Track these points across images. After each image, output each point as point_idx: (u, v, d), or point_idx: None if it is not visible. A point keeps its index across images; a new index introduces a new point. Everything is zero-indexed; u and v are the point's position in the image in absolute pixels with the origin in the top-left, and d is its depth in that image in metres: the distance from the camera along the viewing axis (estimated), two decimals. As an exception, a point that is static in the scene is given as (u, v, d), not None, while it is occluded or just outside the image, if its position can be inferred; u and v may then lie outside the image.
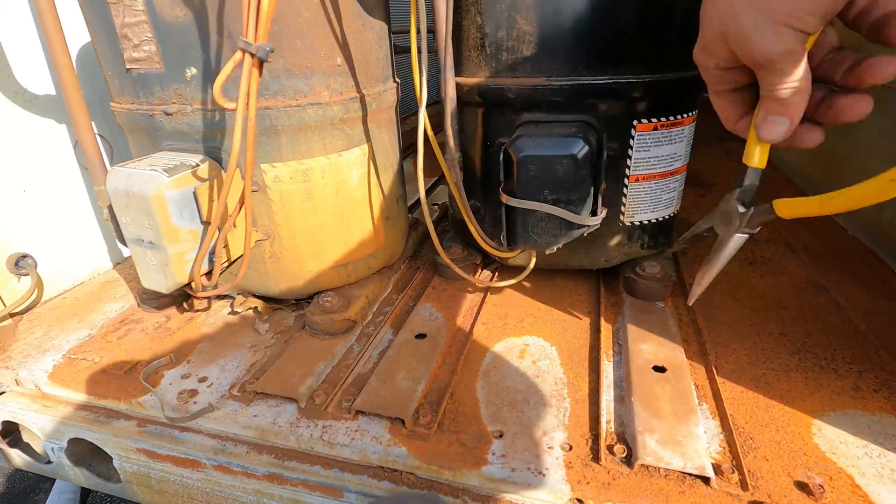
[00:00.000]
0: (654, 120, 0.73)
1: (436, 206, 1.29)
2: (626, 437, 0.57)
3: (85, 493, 1.13)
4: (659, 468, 0.53)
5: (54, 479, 1.81)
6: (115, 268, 1.08)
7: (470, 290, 0.89)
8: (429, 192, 1.33)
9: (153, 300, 0.87)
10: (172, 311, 0.88)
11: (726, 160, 1.60)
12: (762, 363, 0.68)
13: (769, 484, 0.51)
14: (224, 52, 0.63)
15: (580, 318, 0.81)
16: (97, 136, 1.03)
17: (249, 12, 0.46)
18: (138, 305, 0.89)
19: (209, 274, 0.69)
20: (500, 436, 0.59)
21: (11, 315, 0.88)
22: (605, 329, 0.77)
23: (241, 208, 0.62)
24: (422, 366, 0.69)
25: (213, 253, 0.67)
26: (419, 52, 0.62)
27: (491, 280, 0.93)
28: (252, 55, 0.48)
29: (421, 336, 0.76)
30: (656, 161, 0.76)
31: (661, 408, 0.59)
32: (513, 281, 0.80)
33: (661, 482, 0.52)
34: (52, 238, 0.96)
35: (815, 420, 0.59)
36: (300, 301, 0.86)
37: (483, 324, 0.81)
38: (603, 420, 0.60)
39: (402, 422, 0.61)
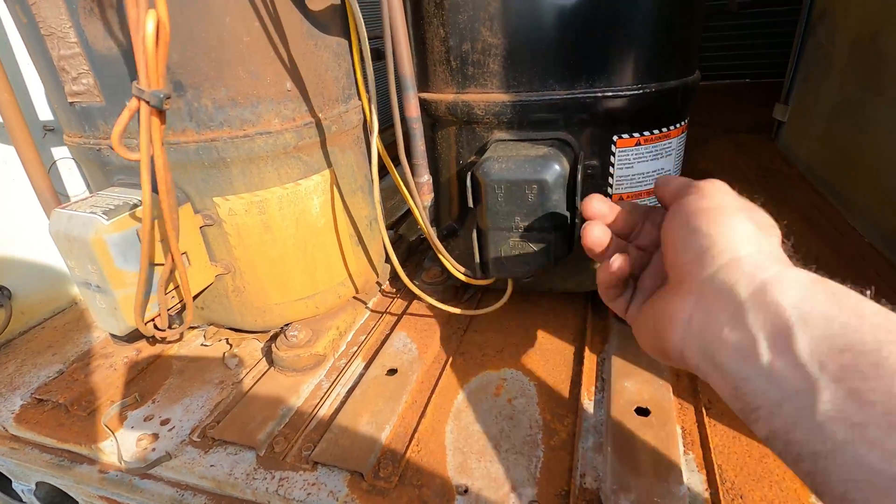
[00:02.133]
0: (636, 135, 0.67)
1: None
2: (600, 494, 0.52)
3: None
4: (634, 535, 0.48)
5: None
6: (96, 293, 1.07)
7: (448, 317, 0.84)
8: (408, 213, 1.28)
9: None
10: (144, 343, 0.86)
11: (738, 155, 1.51)
12: (759, 402, 0.62)
13: (756, 555, 0.46)
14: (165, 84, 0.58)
15: (564, 347, 0.76)
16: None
17: (138, 55, 0.42)
18: (111, 338, 0.87)
19: (162, 315, 0.66)
20: (465, 491, 0.55)
21: (-14, 349, 0.88)
22: (589, 360, 0.71)
23: (172, 259, 0.58)
24: (388, 407, 0.65)
25: (158, 295, 0.64)
26: (364, 76, 0.57)
27: (477, 304, 0.88)
28: (147, 102, 0.44)
29: (392, 372, 0.72)
30: (641, 178, 0.70)
31: (640, 461, 0.54)
32: (490, 309, 0.75)
33: (634, 552, 0.47)
34: (27, 269, 0.95)
35: (815, 473, 0.53)
36: (272, 330, 0.83)
37: (461, 354, 0.76)
38: (577, 473, 0.55)
39: (361, 476, 0.57)
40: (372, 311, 0.89)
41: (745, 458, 0.55)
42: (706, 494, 0.52)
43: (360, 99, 0.77)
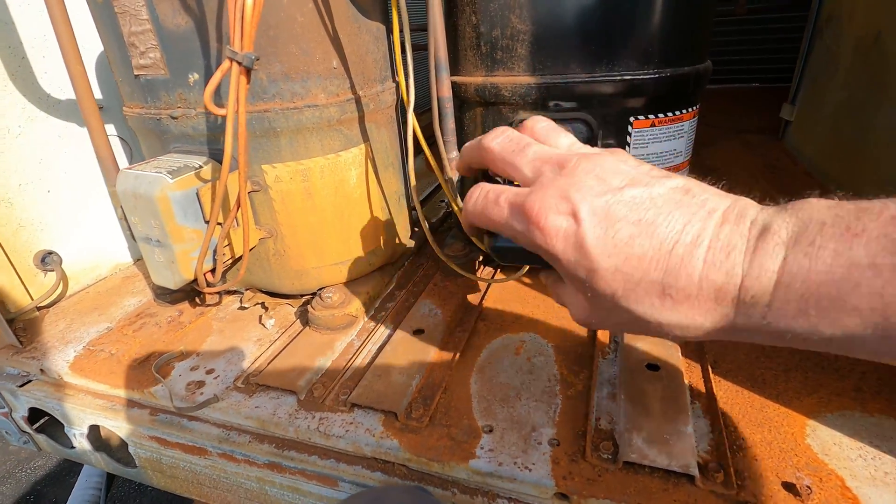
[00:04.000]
0: (651, 116, 0.72)
1: (443, 203, 1.30)
2: (614, 434, 0.58)
3: (110, 479, 1.19)
4: (644, 466, 0.53)
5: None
6: (135, 264, 1.13)
7: (470, 287, 0.90)
8: (437, 189, 1.34)
9: (167, 295, 0.91)
10: (185, 305, 0.92)
11: (746, 154, 1.56)
12: (761, 362, 0.67)
13: (755, 484, 0.51)
14: (224, 59, 0.65)
15: (579, 315, 0.81)
16: (118, 138, 1.08)
17: (235, 22, 0.48)
18: (154, 300, 0.94)
19: (214, 271, 0.72)
20: (490, 430, 0.60)
21: (38, 308, 0.94)
22: (603, 326, 0.77)
23: (238, 209, 0.64)
24: (417, 361, 0.71)
25: (215, 251, 0.70)
26: (403, 51, 0.63)
27: (492, 277, 0.93)
28: (238, 63, 0.50)
29: (419, 332, 0.78)
30: (655, 157, 0.75)
31: (650, 406, 0.59)
32: (512, 277, 0.81)
33: (645, 479, 0.52)
34: (76, 236, 1.01)
35: (811, 421, 0.58)
36: (305, 296, 0.89)
37: (482, 320, 0.82)
38: (592, 417, 0.60)
39: (395, 415, 0.63)
40: (397, 280, 0.95)
41: (747, 407, 0.61)
42: (711, 436, 0.57)
43: (394, 81, 0.84)
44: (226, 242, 0.71)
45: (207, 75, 0.66)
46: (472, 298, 0.87)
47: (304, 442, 0.64)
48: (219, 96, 0.65)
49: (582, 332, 0.77)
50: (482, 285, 0.90)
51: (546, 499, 0.54)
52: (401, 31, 0.60)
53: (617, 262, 0.31)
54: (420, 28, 0.75)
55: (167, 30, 0.65)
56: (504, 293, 0.89)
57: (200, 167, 0.66)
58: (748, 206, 0.31)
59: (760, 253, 0.27)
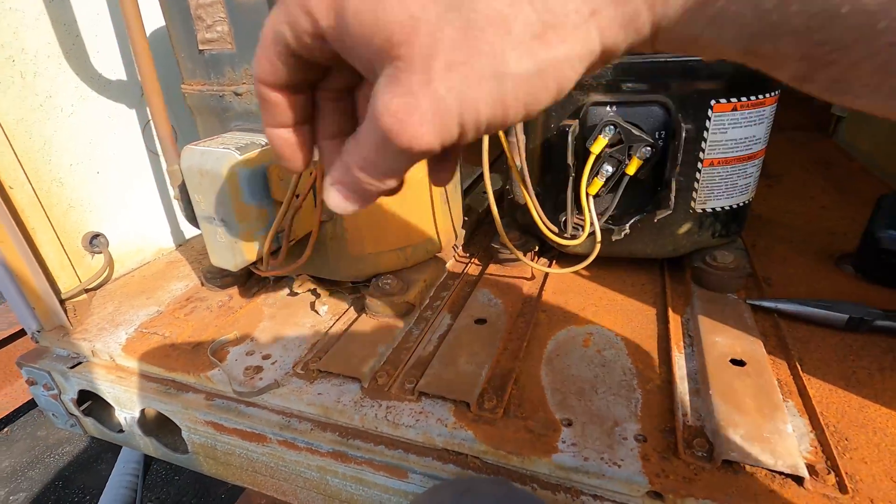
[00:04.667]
0: (733, 100, 0.69)
1: (484, 195, 1.27)
2: (705, 431, 0.54)
3: (146, 465, 1.18)
4: (745, 465, 0.50)
5: (117, 450, 1.92)
6: (178, 249, 1.12)
7: (527, 277, 0.87)
8: (476, 182, 1.31)
9: (216, 279, 0.89)
10: (234, 291, 0.90)
11: (795, 150, 1.51)
12: (851, 360, 0.64)
13: (870, 488, 0.47)
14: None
15: (645, 309, 0.78)
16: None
17: None
18: (202, 284, 0.92)
19: (276, 253, 0.70)
20: (569, 424, 0.57)
21: (86, 290, 0.93)
22: (674, 320, 0.73)
23: (311, 188, 0.62)
24: (484, 351, 0.68)
25: (280, 232, 0.67)
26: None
27: (549, 267, 0.90)
28: None
29: (481, 321, 0.75)
30: (733, 144, 0.72)
31: (742, 402, 0.56)
32: (576, 267, 0.78)
33: (747, 480, 0.49)
34: (121, 219, 1.00)
35: (918, 423, 0.54)
36: (357, 284, 0.87)
37: (543, 311, 0.79)
38: (678, 413, 0.57)
39: (467, 405, 0.60)
40: (449, 271, 0.92)
41: (845, 407, 0.57)
42: (811, 435, 0.53)
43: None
44: (291, 224, 0.68)
45: (276, 49, 0.64)
46: (530, 289, 0.84)
47: (370, 431, 0.62)
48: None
49: (652, 325, 0.74)
50: (539, 276, 0.87)
51: (637, 497, 0.51)
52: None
53: None
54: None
55: (236, 2, 0.63)
56: (562, 284, 0.86)
57: (267, 145, 0.64)
58: None
59: None
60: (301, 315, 0.83)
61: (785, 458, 0.49)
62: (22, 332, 1.85)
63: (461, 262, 0.95)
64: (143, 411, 0.77)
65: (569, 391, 0.62)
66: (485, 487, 0.48)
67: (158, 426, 0.82)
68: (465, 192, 1.21)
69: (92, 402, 0.87)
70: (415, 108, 0.20)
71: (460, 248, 0.98)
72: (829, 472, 0.48)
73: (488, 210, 1.16)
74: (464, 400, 0.60)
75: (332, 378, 0.67)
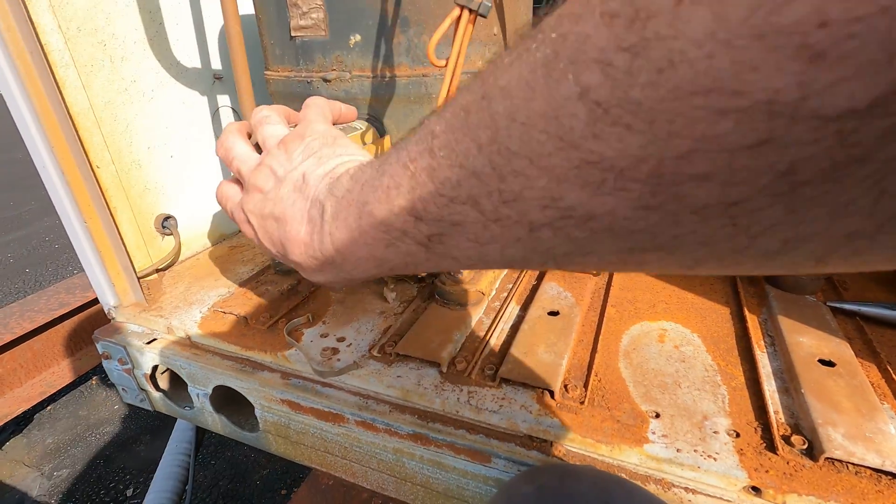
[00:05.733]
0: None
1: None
2: (801, 428, 0.54)
3: (197, 445, 1.21)
4: (849, 464, 0.49)
5: (156, 432, 1.96)
6: (240, 233, 1.14)
7: (593, 273, 0.87)
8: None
9: (284, 265, 0.91)
10: (301, 276, 0.92)
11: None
12: (946, 366, 0.62)
13: (985, 492, 0.46)
14: (389, 19, 0.64)
15: (718, 307, 0.77)
16: (231, 110, 1.10)
17: None
18: (273, 270, 0.94)
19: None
20: (657, 416, 0.57)
21: (157, 270, 0.96)
22: (751, 319, 0.72)
23: None
24: (561, 341, 0.68)
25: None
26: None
27: (613, 264, 0.90)
28: (471, 11, 0.48)
29: (553, 313, 0.75)
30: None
31: (838, 402, 0.55)
32: (647, 264, 0.77)
33: (851, 479, 0.48)
34: (189, 203, 1.03)
35: None
36: (422, 274, 0.87)
37: (613, 306, 0.78)
38: (770, 409, 0.56)
39: (551, 393, 0.60)
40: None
41: (945, 412, 0.55)
42: (913, 438, 0.52)
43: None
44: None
45: (369, 37, 0.66)
46: (597, 284, 0.84)
47: (451, 415, 0.62)
48: (382, 57, 0.64)
49: (727, 323, 0.73)
50: (604, 272, 0.87)
51: (734, 491, 0.50)
52: None
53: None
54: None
55: (335, -11, 0.64)
56: (629, 280, 0.85)
57: (362, 130, 0.65)
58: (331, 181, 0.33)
59: (320, 229, 0.31)
60: (369, 301, 0.84)
61: (893, 458, 0.48)
62: (70, 314, 1.91)
63: (522, 256, 0.96)
64: (217, 388, 0.79)
65: (651, 384, 0.62)
66: (584, 472, 0.48)
67: (224, 405, 0.83)
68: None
69: (159, 379, 0.89)
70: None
71: (521, 242, 0.98)
72: (939, 475, 0.47)
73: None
74: (547, 387, 0.60)
75: (410, 362, 0.68)
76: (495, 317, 0.77)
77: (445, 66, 0.52)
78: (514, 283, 0.86)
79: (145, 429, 1.98)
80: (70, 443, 1.95)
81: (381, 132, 0.70)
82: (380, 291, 0.85)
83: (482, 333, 0.73)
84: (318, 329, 0.77)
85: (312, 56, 0.70)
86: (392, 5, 0.63)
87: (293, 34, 0.70)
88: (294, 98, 0.76)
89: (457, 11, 0.49)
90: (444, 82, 0.53)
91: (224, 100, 1.08)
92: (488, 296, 0.81)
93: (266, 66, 0.78)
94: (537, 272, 0.88)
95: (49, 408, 2.13)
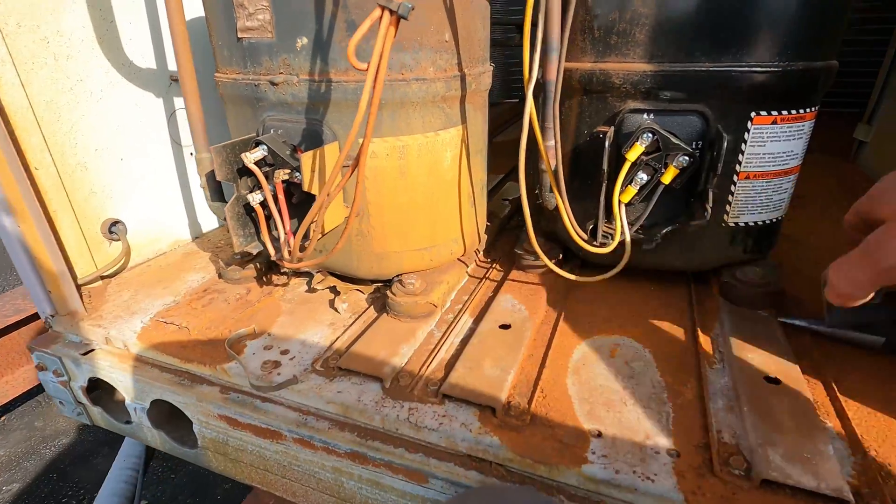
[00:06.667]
0: (773, 113, 0.68)
1: (506, 202, 1.26)
2: (741, 449, 0.52)
3: (147, 460, 1.16)
4: (786, 486, 0.48)
5: (113, 445, 1.88)
6: (195, 241, 1.11)
7: (551, 284, 0.86)
8: (498, 186, 1.31)
9: (235, 271, 0.88)
10: (252, 284, 0.89)
11: (817, 173, 1.50)
12: (892, 383, 0.61)
13: (920, 517, 0.45)
14: (338, 23, 0.62)
15: (672, 322, 0.76)
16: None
17: None
18: (219, 277, 0.91)
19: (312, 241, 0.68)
20: (599, 435, 0.55)
21: (102, 277, 0.92)
22: (703, 334, 0.72)
23: (352, 175, 0.61)
24: (509, 356, 0.66)
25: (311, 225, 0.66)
26: (534, 25, 0.59)
27: (575, 275, 0.89)
28: (392, 12, 0.47)
29: (505, 327, 0.73)
30: (771, 158, 0.71)
31: (780, 421, 0.54)
32: (604, 276, 0.76)
33: (789, 501, 0.47)
34: (140, 208, 1.00)
35: (965, 452, 0.52)
36: (377, 283, 0.85)
37: (568, 320, 0.77)
38: (713, 429, 0.55)
39: (493, 411, 0.58)
40: (470, 275, 0.91)
41: (887, 432, 0.55)
42: (852, 459, 0.51)
43: (491, 63, 0.81)
44: (322, 216, 0.67)
45: (317, 40, 0.64)
46: (555, 296, 0.83)
47: (391, 433, 0.60)
48: (327, 60, 0.63)
49: (679, 338, 0.72)
50: (563, 284, 0.86)
51: (671, 514, 0.49)
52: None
53: None
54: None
55: (280, -9, 0.62)
56: (586, 293, 0.84)
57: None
58: None
59: None
60: (320, 312, 0.81)
61: (829, 481, 0.47)
62: (25, 321, 1.83)
63: (482, 268, 0.94)
64: (152, 403, 0.75)
65: (597, 401, 0.60)
66: (515, 496, 0.46)
67: (167, 420, 0.80)
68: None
69: (101, 392, 0.85)
70: None
71: (481, 252, 0.97)
72: (874, 499, 0.46)
73: (510, 216, 1.15)
74: (489, 405, 0.58)
75: (353, 377, 0.65)
76: (447, 329, 0.75)
77: (367, 69, 0.50)
78: (470, 294, 0.84)
79: (103, 441, 1.91)
80: (23, 455, 1.87)
81: (327, 138, 0.68)
82: (332, 301, 0.82)
83: (431, 347, 0.71)
84: (262, 341, 0.74)
85: (259, 58, 0.68)
86: (338, 8, 0.61)
87: (240, 36, 0.68)
88: (244, 101, 0.73)
89: (377, 12, 0.47)
90: (366, 85, 0.52)
91: (181, 102, 1.05)
92: (442, 307, 0.79)
93: (216, 68, 0.76)
94: (493, 284, 0.87)
95: (3, 419, 2.04)
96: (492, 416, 0.58)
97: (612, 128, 0.72)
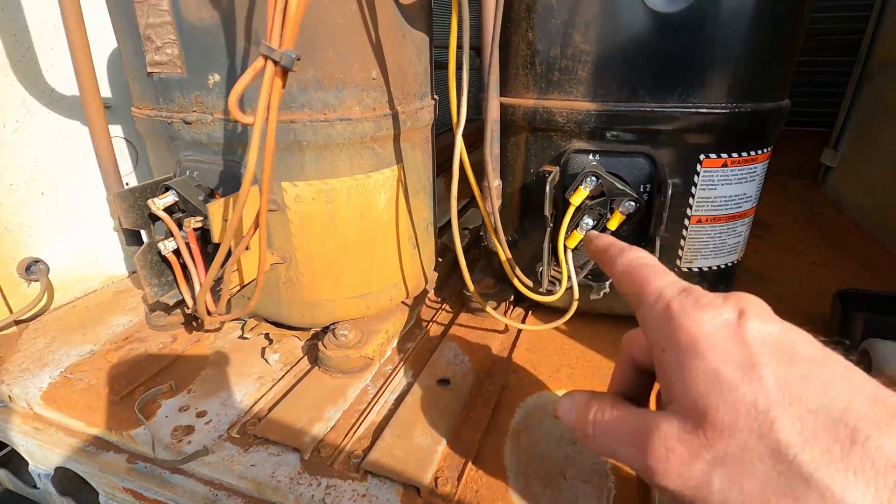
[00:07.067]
0: (723, 155, 0.64)
1: (466, 231, 1.22)
2: (685, 536, 0.47)
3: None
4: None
5: None
6: (130, 276, 1.04)
7: (499, 330, 0.81)
8: (461, 212, 1.26)
9: (160, 318, 0.81)
10: (181, 330, 0.82)
11: (783, 198, 1.48)
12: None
13: None
14: (251, 59, 0.57)
15: (625, 373, 0.71)
16: (125, 141, 1.00)
17: (275, 14, 0.40)
18: (146, 322, 0.84)
19: (218, 299, 0.62)
20: (532, 518, 0.50)
21: (17, 322, 0.84)
22: (656, 390, 0.67)
23: (255, 230, 0.56)
24: (444, 420, 0.61)
25: (221, 277, 0.60)
26: (459, 67, 0.55)
27: (523, 320, 0.84)
28: (275, 63, 0.42)
29: (444, 382, 0.68)
30: (723, 201, 0.67)
31: (728, 502, 0.49)
32: (551, 325, 0.71)
33: None
34: (67, 243, 0.93)
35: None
36: (314, 329, 0.79)
37: (514, 371, 0.72)
38: (656, 509, 0.50)
39: (418, 490, 0.52)
40: (417, 319, 0.85)
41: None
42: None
43: (433, 98, 0.76)
44: (234, 267, 0.62)
45: (230, 77, 0.58)
46: (503, 343, 0.78)
47: (306, 514, 0.54)
48: (243, 101, 0.57)
49: (631, 394, 0.67)
50: (514, 329, 0.81)
51: None
52: (459, 38, 0.52)
53: None
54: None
55: (189, 23, 0.57)
56: (537, 340, 0.79)
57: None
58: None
59: None
60: (250, 363, 0.75)
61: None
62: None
63: (432, 308, 0.89)
64: (56, 469, 0.68)
65: (535, 475, 0.55)
66: None
67: (77, 486, 0.72)
68: (442, 229, 1.15)
69: (9, 450, 0.77)
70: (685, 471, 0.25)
71: (432, 291, 0.92)
72: None
73: (468, 247, 1.10)
74: (414, 483, 0.53)
75: (270, 446, 0.59)
76: (383, 384, 0.69)
77: (253, 123, 0.45)
78: (415, 341, 0.79)
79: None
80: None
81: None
82: (264, 349, 0.76)
83: (362, 407, 0.65)
84: (179, 400, 0.68)
85: (171, 95, 0.62)
86: (250, 44, 0.56)
87: (149, 70, 0.62)
88: (160, 139, 0.67)
89: (260, 62, 0.42)
90: (252, 141, 0.46)
91: (116, 130, 0.98)
92: (381, 358, 0.74)
93: (132, 103, 0.70)
94: (440, 329, 0.81)
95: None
96: (416, 496, 0.52)
97: (558, 168, 0.68)
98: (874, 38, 1.31)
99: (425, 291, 0.88)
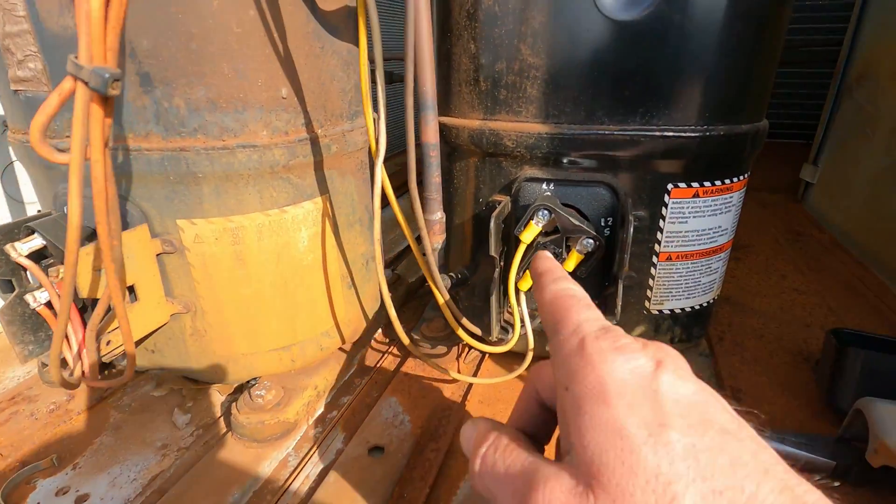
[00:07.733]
0: (694, 184, 0.56)
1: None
2: None
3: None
4: None
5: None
6: (41, 316, 0.92)
7: (448, 380, 0.71)
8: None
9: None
10: (81, 386, 0.71)
11: (765, 216, 1.42)
12: (845, 532, 0.49)
13: None
14: (128, 76, 0.47)
15: (589, 432, 0.62)
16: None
17: (81, 16, 0.30)
18: (39, 376, 0.73)
19: (91, 364, 0.52)
20: None
21: None
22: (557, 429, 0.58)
23: (108, 296, 0.45)
24: (371, 500, 0.51)
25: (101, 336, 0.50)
26: (373, 83, 0.46)
27: (479, 365, 0.75)
28: (85, 84, 0.32)
29: (377, 450, 0.58)
30: (695, 236, 0.59)
31: None
32: (505, 377, 0.62)
33: None
34: (-41, 282, 0.81)
35: None
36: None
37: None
38: None
39: None
40: (359, 365, 0.75)
41: None
42: None
43: (375, 115, 0.67)
44: (114, 326, 0.51)
45: (104, 97, 0.48)
46: (453, 393, 0.68)
47: None
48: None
49: (595, 459, 0.58)
50: (473, 382, 0.71)
51: None
52: (370, 51, 0.43)
53: None
54: (400, 57, 0.58)
55: (51, 32, 0.47)
56: (495, 390, 0.70)
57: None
58: None
59: None
60: (155, 426, 0.64)
61: None
62: None
63: (378, 351, 0.79)
64: None
65: (474, 577, 0.45)
66: None
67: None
68: (397, 259, 1.06)
69: None
70: None
71: (378, 332, 0.82)
72: None
73: (423, 280, 1.01)
74: None
75: (155, 544, 0.49)
76: (306, 455, 0.59)
77: (68, 161, 0.35)
78: (353, 394, 0.69)
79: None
80: None
81: (134, 219, 0.52)
82: (175, 409, 0.65)
83: (277, 486, 0.54)
84: (58, 480, 0.56)
85: (41, 117, 0.52)
86: (125, 57, 0.46)
87: (13, 87, 0.52)
88: (37, 168, 0.57)
89: (68, 83, 0.33)
90: (70, 185, 0.36)
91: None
92: (308, 420, 0.63)
93: (7, 125, 0.59)
94: (386, 377, 0.71)
95: None
96: None
97: (508, 198, 0.59)
98: (851, 50, 1.26)
99: (368, 332, 0.78)
